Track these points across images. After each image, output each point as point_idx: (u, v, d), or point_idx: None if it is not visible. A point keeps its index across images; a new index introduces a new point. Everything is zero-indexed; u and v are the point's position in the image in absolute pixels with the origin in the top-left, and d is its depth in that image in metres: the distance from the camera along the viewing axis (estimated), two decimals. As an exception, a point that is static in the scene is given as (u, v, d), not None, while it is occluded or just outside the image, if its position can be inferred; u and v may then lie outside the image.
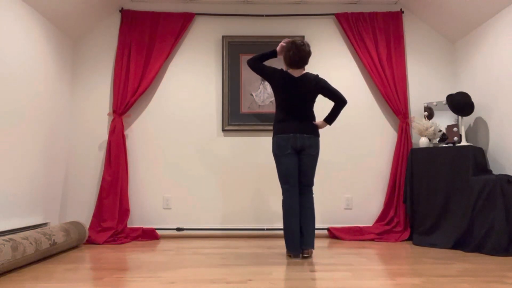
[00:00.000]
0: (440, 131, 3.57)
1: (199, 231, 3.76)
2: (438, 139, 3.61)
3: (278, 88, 2.76)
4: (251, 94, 3.89)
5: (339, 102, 2.79)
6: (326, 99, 3.96)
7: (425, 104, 3.78)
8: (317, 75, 2.79)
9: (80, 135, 3.81)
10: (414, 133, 3.88)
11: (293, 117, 2.74)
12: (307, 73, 2.78)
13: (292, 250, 2.66)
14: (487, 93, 3.49)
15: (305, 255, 2.70)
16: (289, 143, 2.70)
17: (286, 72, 2.77)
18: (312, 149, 2.74)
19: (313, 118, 2.81)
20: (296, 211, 2.67)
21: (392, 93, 3.80)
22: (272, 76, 2.78)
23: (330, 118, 2.85)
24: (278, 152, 2.73)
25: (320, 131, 3.87)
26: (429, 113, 3.73)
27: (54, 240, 2.72)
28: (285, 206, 2.69)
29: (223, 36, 3.93)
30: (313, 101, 2.81)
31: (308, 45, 2.77)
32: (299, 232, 2.66)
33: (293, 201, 2.69)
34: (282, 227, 3.73)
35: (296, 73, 2.77)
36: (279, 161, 2.75)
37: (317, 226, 3.78)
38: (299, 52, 2.70)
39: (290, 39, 2.82)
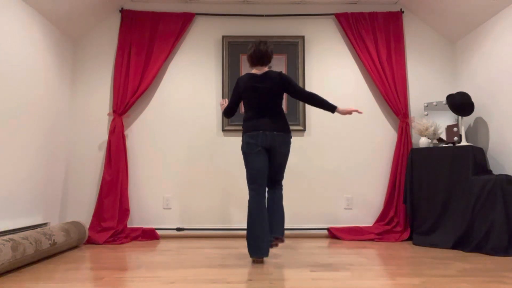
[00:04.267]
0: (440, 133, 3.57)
1: (199, 231, 3.76)
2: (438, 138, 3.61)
3: (245, 88, 2.71)
4: (251, 94, 3.88)
5: (306, 99, 2.69)
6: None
7: (425, 105, 3.78)
8: (280, 72, 2.73)
9: (80, 135, 3.81)
10: (414, 133, 3.88)
11: (261, 115, 2.67)
12: (270, 71, 2.74)
13: (255, 254, 2.50)
14: (487, 93, 3.49)
15: (273, 244, 2.65)
16: (258, 141, 2.61)
17: (248, 73, 2.77)
18: (283, 147, 2.66)
19: (282, 114, 2.71)
20: (262, 214, 2.52)
21: (392, 93, 3.80)
22: (239, 90, 2.76)
23: (330, 107, 2.69)
24: (247, 150, 2.63)
25: (320, 130, 3.86)
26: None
27: (54, 240, 2.72)
28: (250, 207, 2.55)
29: (223, 36, 3.93)
30: (280, 98, 2.73)
31: (269, 45, 2.75)
32: (264, 235, 2.49)
33: (259, 202, 2.56)
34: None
35: (259, 71, 2.75)
36: (247, 159, 2.65)
37: (317, 226, 3.78)
38: (259, 51, 2.71)
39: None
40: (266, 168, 2.65)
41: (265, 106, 2.68)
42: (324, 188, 3.83)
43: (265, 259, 2.68)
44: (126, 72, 3.77)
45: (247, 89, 2.70)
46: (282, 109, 2.75)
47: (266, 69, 2.77)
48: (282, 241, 2.69)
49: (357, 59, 3.98)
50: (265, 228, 2.51)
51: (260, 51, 2.72)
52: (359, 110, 2.74)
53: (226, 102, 3.01)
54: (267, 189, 2.74)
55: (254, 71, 2.77)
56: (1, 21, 2.77)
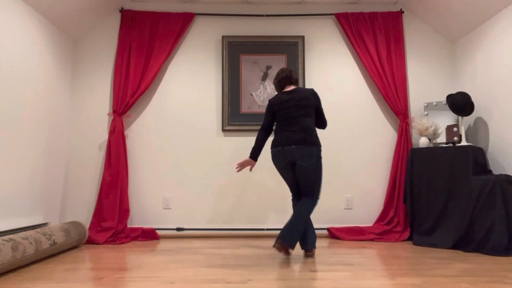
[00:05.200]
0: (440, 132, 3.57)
1: (199, 231, 3.76)
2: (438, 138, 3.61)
3: (276, 106, 2.81)
4: (251, 94, 3.89)
5: (321, 126, 2.92)
6: (323, 107, 3.96)
7: (425, 105, 3.78)
8: (312, 89, 2.82)
9: (80, 135, 3.81)
10: (414, 133, 3.87)
11: (286, 129, 2.72)
12: (301, 87, 2.88)
13: (278, 237, 2.56)
14: (487, 93, 3.49)
15: (285, 251, 2.62)
16: (280, 157, 2.71)
17: (278, 93, 2.88)
18: (304, 160, 2.64)
19: (307, 128, 2.69)
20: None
21: (392, 93, 3.80)
22: (271, 107, 2.85)
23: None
24: (275, 165, 2.80)
25: (320, 130, 3.86)
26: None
27: (54, 240, 2.72)
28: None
29: (223, 36, 3.93)
30: (310, 111, 2.74)
31: (296, 73, 2.93)
32: (287, 225, 2.61)
33: (295, 203, 2.87)
34: (282, 227, 3.72)
35: (288, 89, 2.85)
36: (279, 172, 2.83)
37: (317, 226, 3.77)
38: (282, 73, 2.86)
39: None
40: (294, 181, 2.81)
41: (293, 120, 2.72)
42: (324, 188, 3.83)
43: (265, 259, 2.68)
44: (126, 72, 3.77)
45: (279, 105, 2.79)
46: (310, 123, 2.72)
47: (294, 87, 2.86)
48: (287, 251, 2.62)
49: (357, 59, 3.98)
50: (291, 222, 2.62)
51: (286, 74, 2.85)
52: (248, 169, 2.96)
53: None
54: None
55: (279, 93, 2.89)
56: (1, 21, 2.77)
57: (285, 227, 2.61)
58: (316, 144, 2.68)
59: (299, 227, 2.59)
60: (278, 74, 2.89)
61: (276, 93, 3.08)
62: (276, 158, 2.74)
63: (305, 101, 2.73)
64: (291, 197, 2.90)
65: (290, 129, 2.70)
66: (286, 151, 2.67)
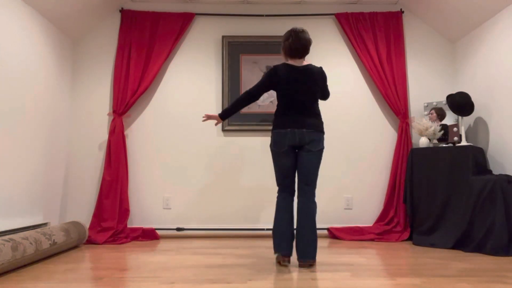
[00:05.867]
0: (441, 131, 3.56)
1: (199, 231, 3.76)
2: (438, 138, 3.61)
3: (283, 80, 2.50)
4: (251, 94, 3.88)
5: (322, 98, 2.71)
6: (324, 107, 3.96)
7: (425, 104, 3.78)
8: (321, 67, 2.60)
9: (80, 135, 3.81)
10: (414, 133, 3.87)
11: (294, 111, 2.49)
12: (311, 64, 2.56)
13: (279, 250, 2.41)
14: (487, 93, 3.49)
15: (301, 266, 2.42)
16: (286, 139, 2.46)
17: (287, 64, 2.54)
18: (312, 145, 2.46)
19: (317, 112, 2.55)
20: (288, 212, 2.47)
21: (392, 93, 3.80)
22: (273, 79, 2.54)
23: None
24: (275, 148, 2.52)
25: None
26: (440, 114, 3.65)
27: (54, 240, 2.72)
28: (278, 205, 2.51)
29: (223, 36, 3.93)
30: (318, 95, 2.57)
31: (308, 33, 2.55)
32: (290, 233, 2.43)
33: (286, 202, 2.50)
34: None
35: (297, 63, 2.54)
36: (275, 158, 2.55)
37: (317, 226, 3.75)
38: (299, 40, 2.48)
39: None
40: (294, 168, 2.54)
41: (300, 103, 2.49)
42: (324, 188, 3.83)
43: (265, 259, 2.68)
44: (126, 72, 3.76)
45: (288, 82, 2.49)
46: (318, 107, 2.57)
47: (304, 62, 2.57)
48: (311, 265, 2.43)
49: (357, 59, 3.98)
50: (291, 227, 2.46)
51: (301, 39, 2.48)
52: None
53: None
54: (297, 196, 2.54)
55: (291, 62, 2.55)
56: (1, 21, 2.77)
57: (300, 242, 2.39)
58: (324, 132, 2.55)
59: (315, 235, 2.43)
60: (294, 39, 2.49)
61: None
62: (282, 140, 2.47)
63: (316, 86, 2.53)
64: (283, 192, 2.53)
65: (301, 113, 2.49)
66: (296, 134, 2.45)
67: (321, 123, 2.55)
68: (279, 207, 2.51)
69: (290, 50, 2.52)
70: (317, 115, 2.55)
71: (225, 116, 2.69)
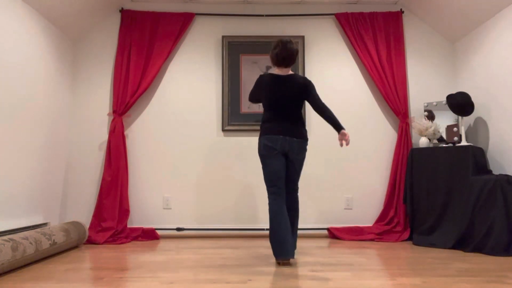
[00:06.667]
0: (439, 132, 3.57)
1: (199, 231, 3.76)
2: (437, 138, 3.61)
3: (266, 89, 2.64)
4: (251, 94, 3.88)
5: (319, 110, 2.66)
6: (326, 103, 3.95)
7: (425, 105, 3.78)
8: (305, 77, 2.70)
9: (80, 135, 3.81)
10: (414, 133, 3.87)
11: (281, 119, 2.61)
12: (295, 74, 2.69)
13: (281, 255, 2.45)
14: (487, 93, 3.49)
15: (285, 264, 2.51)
16: (277, 145, 2.56)
17: (271, 74, 2.67)
18: (300, 154, 2.63)
19: (302, 120, 2.68)
20: (284, 216, 2.50)
21: (392, 93, 3.80)
22: (260, 86, 2.69)
23: (337, 125, 2.63)
24: (265, 153, 2.58)
25: (321, 130, 3.87)
26: (430, 115, 3.72)
27: (54, 240, 2.72)
28: (271, 210, 2.52)
29: (223, 36, 3.93)
30: (302, 103, 2.68)
31: (296, 44, 2.66)
32: (288, 236, 2.46)
33: (280, 204, 2.53)
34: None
35: (283, 72, 2.67)
36: (265, 162, 2.60)
37: (317, 226, 3.78)
38: (286, 50, 2.59)
39: None
40: (284, 171, 2.61)
41: (286, 110, 2.62)
42: (324, 188, 3.83)
43: (265, 259, 2.68)
44: (126, 72, 3.76)
45: (271, 91, 2.62)
46: (302, 115, 2.71)
47: (290, 71, 2.70)
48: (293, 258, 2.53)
49: (357, 59, 3.98)
50: (288, 230, 2.47)
51: (287, 50, 2.60)
52: (348, 144, 2.64)
53: None
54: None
55: (277, 71, 2.68)
56: (1, 21, 2.77)
57: (286, 241, 2.44)
58: (307, 139, 2.69)
59: (297, 230, 2.73)
60: (281, 48, 2.60)
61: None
62: (273, 145, 2.55)
63: (299, 95, 2.64)
64: (275, 196, 2.55)
65: (287, 120, 2.61)
66: (287, 141, 2.56)
67: (305, 130, 2.70)
68: (274, 213, 2.51)
69: (277, 59, 2.64)
70: (302, 123, 2.70)
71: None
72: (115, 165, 3.61)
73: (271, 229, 2.49)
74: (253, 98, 2.83)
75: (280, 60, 2.63)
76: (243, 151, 3.85)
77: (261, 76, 2.71)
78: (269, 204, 2.56)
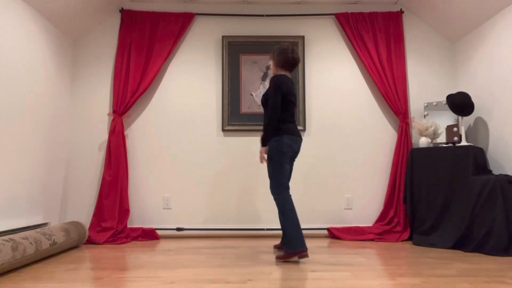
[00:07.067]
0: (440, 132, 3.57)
1: (199, 231, 3.76)
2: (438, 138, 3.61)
3: (289, 91, 2.69)
4: (251, 94, 3.89)
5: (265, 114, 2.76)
6: (324, 107, 3.96)
7: (425, 105, 3.78)
8: None
9: (80, 135, 3.81)
10: (414, 133, 3.87)
11: (294, 119, 2.77)
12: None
13: (303, 246, 2.52)
14: (487, 93, 3.49)
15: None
16: (296, 146, 2.70)
17: (285, 75, 2.73)
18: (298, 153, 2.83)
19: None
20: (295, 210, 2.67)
21: (392, 93, 3.80)
22: (283, 89, 2.66)
23: (262, 138, 2.71)
24: (287, 151, 2.63)
25: (320, 130, 3.87)
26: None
27: (54, 240, 2.72)
28: (289, 205, 2.61)
29: (223, 36, 3.93)
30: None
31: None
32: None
33: (291, 199, 2.68)
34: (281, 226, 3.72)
35: (289, 75, 2.80)
36: (283, 160, 2.63)
37: (317, 226, 3.78)
38: (297, 55, 2.78)
39: None
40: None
41: (293, 111, 2.78)
42: (324, 188, 3.83)
43: (265, 259, 2.68)
44: (126, 72, 3.77)
45: (290, 91, 2.70)
46: None
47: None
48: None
49: (357, 59, 3.98)
50: None
51: (298, 54, 2.79)
52: (265, 161, 2.72)
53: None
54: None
55: (284, 73, 2.76)
56: (1, 21, 2.77)
57: (300, 232, 2.56)
58: None
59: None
60: (295, 53, 2.74)
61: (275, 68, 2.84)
62: (294, 145, 2.68)
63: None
64: (288, 191, 2.66)
65: (295, 121, 2.80)
66: (300, 142, 2.74)
67: None
68: (291, 206, 2.63)
69: (287, 63, 2.74)
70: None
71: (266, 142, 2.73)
72: (115, 165, 3.61)
73: (293, 220, 2.57)
74: (280, 104, 2.66)
75: (295, 64, 2.77)
76: (243, 151, 3.85)
77: (279, 77, 2.66)
78: (286, 199, 2.63)
